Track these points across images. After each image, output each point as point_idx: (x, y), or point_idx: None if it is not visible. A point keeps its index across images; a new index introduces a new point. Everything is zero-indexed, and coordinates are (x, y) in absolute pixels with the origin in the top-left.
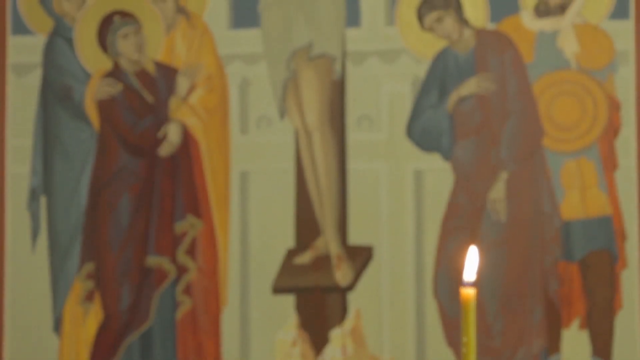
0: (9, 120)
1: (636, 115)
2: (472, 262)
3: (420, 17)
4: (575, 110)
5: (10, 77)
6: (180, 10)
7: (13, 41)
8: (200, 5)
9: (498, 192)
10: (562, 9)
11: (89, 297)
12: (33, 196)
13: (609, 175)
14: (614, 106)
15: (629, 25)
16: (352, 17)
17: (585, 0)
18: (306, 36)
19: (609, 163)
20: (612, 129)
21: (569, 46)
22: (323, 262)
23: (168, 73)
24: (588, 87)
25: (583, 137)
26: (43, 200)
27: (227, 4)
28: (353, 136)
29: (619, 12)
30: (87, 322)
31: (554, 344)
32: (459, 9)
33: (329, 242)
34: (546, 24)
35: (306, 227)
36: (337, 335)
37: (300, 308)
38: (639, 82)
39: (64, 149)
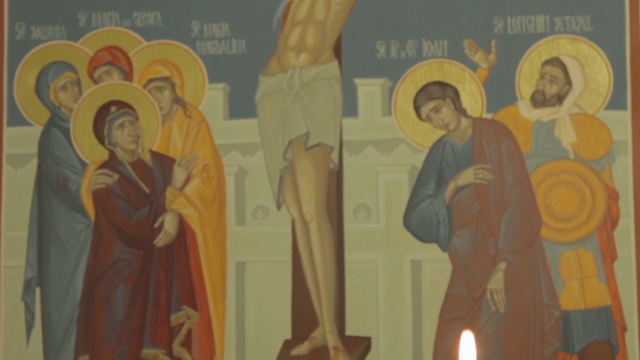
0: (4, 213)
1: (634, 206)
2: (468, 350)
3: (417, 107)
4: (574, 200)
5: (6, 168)
6: (177, 100)
7: (9, 132)
8: (197, 96)
9: (497, 282)
10: (559, 99)
11: None
12: (27, 288)
13: (608, 266)
14: (613, 196)
15: (626, 115)
16: (349, 107)
17: (582, 91)
18: (303, 126)
19: (608, 253)
20: (611, 219)
21: (567, 136)
22: (321, 354)
23: (164, 163)
24: (586, 177)
25: (581, 227)
26: (38, 292)
27: (223, 94)
28: (350, 226)
29: (616, 102)
30: None
31: None
32: (456, 99)
33: (326, 333)
34: (543, 114)
35: (303, 317)
36: None
37: None
38: (637, 172)
39: (59, 240)
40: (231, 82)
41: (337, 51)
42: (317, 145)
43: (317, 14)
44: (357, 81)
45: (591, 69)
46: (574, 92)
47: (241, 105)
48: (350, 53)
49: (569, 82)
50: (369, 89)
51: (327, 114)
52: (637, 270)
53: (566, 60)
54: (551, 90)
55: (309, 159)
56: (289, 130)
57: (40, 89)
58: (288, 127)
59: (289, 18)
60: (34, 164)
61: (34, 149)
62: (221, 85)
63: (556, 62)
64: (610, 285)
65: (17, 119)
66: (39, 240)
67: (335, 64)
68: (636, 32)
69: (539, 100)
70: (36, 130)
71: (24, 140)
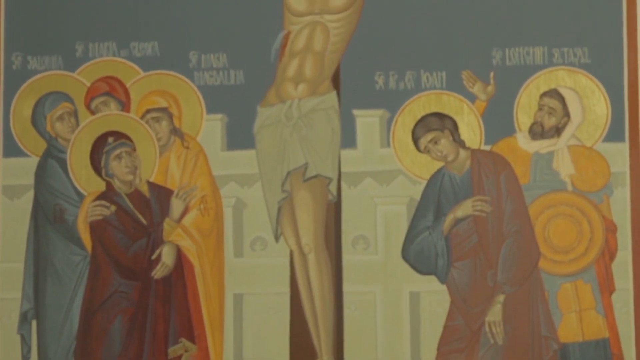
0: (0, 244)
1: (632, 238)
2: None
3: (416, 138)
4: (572, 232)
5: (2, 200)
6: (175, 131)
7: (5, 163)
8: (195, 127)
9: (495, 315)
10: (557, 130)
11: None
12: (24, 320)
13: (606, 298)
14: (610, 228)
15: (623, 147)
16: (348, 138)
17: (581, 123)
18: (301, 157)
19: (606, 286)
20: (609, 252)
21: (565, 168)
22: None
23: (162, 194)
24: (584, 209)
25: (580, 259)
26: (34, 325)
27: (221, 125)
28: (349, 258)
29: (614, 134)
30: None
31: None
32: (454, 130)
33: None
34: (541, 146)
35: (302, 349)
36: None
37: None
38: (635, 205)
39: (55, 272)
40: (229, 113)
41: (336, 82)
42: (316, 176)
43: (316, 45)
44: (356, 112)
45: (589, 100)
46: (572, 124)
47: (239, 136)
48: (348, 84)
49: (567, 114)
50: (367, 120)
51: (326, 145)
52: (635, 303)
53: (564, 92)
54: (549, 122)
55: (308, 191)
56: (287, 162)
57: (37, 120)
58: (286, 159)
59: (287, 49)
60: (30, 195)
61: (30, 180)
62: (219, 116)
63: (554, 93)
64: (608, 317)
65: (13, 150)
66: (35, 272)
67: (333, 95)
68: (634, 65)
69: (537, 132)
70: (32, 161)
71: (20, 171)
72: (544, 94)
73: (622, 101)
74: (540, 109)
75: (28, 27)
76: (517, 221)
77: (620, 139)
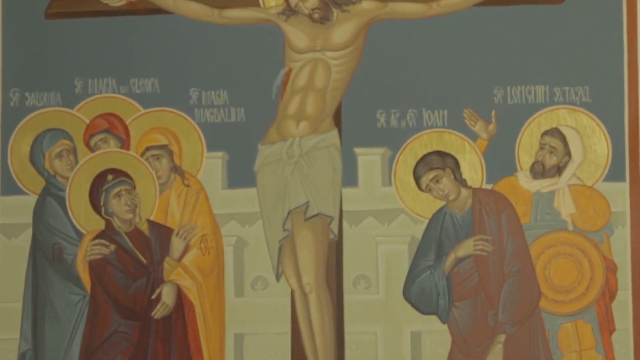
0: None
1: (632, 278)
2: None
3: (417, 177)
4: (572, 272)
5: (0, 239)
6: (175, 169)
7: (3, 201)
8: (195, 164)
9: (496, 355)
10: (558, 169)
11: None
12: None
13: (606, 338)
14: (611, 268)
15: (624, 187)
16: (349, 177)
17: (581, 162)
18: (302, 196)
19: (606, 326)
20: (609, 291)
21: (566, 207)
22: None
23: (162, 233)
24: (585, 248)
25: (580, 299)
26: None
27: (222, 163)
28: (350, 297)
29: (615, 174)
30: None
31: None
32: (456, 169)
33: None
34: (543, 185)
35: None
36: None
37: None
38: (635, 244)
39: (54, 312)
40: (230, 150)
41: (337, 120)
42: (317, 215)
43: (317, 82)
44: (357, 150)
45: (590, 140)
46: (573, 163)
47: (240, 174)
48: (350, 122)
49: (568, 153)
50: (369, 159)
51: (327, 183)
52: (634, 343)
53: (565, 131)
54: (551, 161)
55: (309, 229)
56: (288, 200)
57: (35, 157)
58: (287, 197)
59: (288, 86)
60: (28, 233)
61: (28, 218)
62: (220, 153)
63: (556, 132)
64: (609, 357)
65: (11, 188)
66: (33, 312)
67: (335, 132)
68: (635, 104)
69: (538, 171)
70: (31, 200)
71: (19, 209)
72: (545, 133)
73: (622, 140)
74: (541, 147)
75: (26, 62)
76: (518, 261)
77: (621, 178)
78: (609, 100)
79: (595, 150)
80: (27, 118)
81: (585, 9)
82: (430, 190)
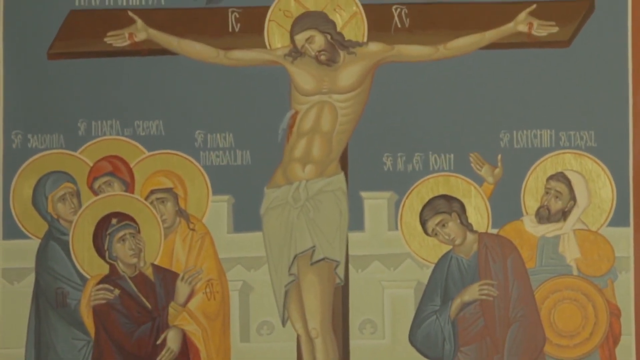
0: (0, 330)
1: (635, 323)
2: None
3: (424, 221)
4: (577, 317)
5: (2, 283)
6: (180, 212)
7: (5, 245)
8: (201, 208)
9: None
10: (563, 214)
11: None
12: None
13: None
14: (614, 313)
15: (628, 232)
16: (356, 221)
17: (587, 206)
18: (308, 240)
19: None
20: (613, 336)
21: (571, 252)
22: None
23: (167, 277)
24: (589, 293)
25: (584, 344)
26: None
27: (227, 207)
28: (356, 342)
29: (619, 219)
30: None
31: None
32: (462, 213)
33: None
34: (548, 230)
35: None
36: None
37: None
38: (639, 289)
39: (58, 358)
40: (236, 194)
41: (344, 163)
42: (323, 260)
43: (324, 126)
44: (364, 194)
45: (595, 184)
46: (578, 207)
47: (246, 218)
48: (356, 165)
49: (573, 197)
50: (375, 203)
51: (333, 227)
52: None
53: (571, 176)
54: (556, 205)
55: (315, 274)
56: (294, 245)
57: (38, 200)
58: (293, 241)
59: (294, 129)
60: (31, 278)
61: (31, 263)
62: (225, 197)
63: (561, 177)
64: None
65: (13, 232)
66: (36, 358)
67: (341, 176)
68: (639, 149)
69: (544, 215)
70: (33, 244)
71: (21, 254)
72: (551, 177)
73: (627, 185)
74: (547, 192)
75: (28, 104)
76: (524, 306)
77: (625, 223)
78: (614, 145)
79: (600, 194)
80: (30, 160)
81: (591, 54)
82: (436, 234)
